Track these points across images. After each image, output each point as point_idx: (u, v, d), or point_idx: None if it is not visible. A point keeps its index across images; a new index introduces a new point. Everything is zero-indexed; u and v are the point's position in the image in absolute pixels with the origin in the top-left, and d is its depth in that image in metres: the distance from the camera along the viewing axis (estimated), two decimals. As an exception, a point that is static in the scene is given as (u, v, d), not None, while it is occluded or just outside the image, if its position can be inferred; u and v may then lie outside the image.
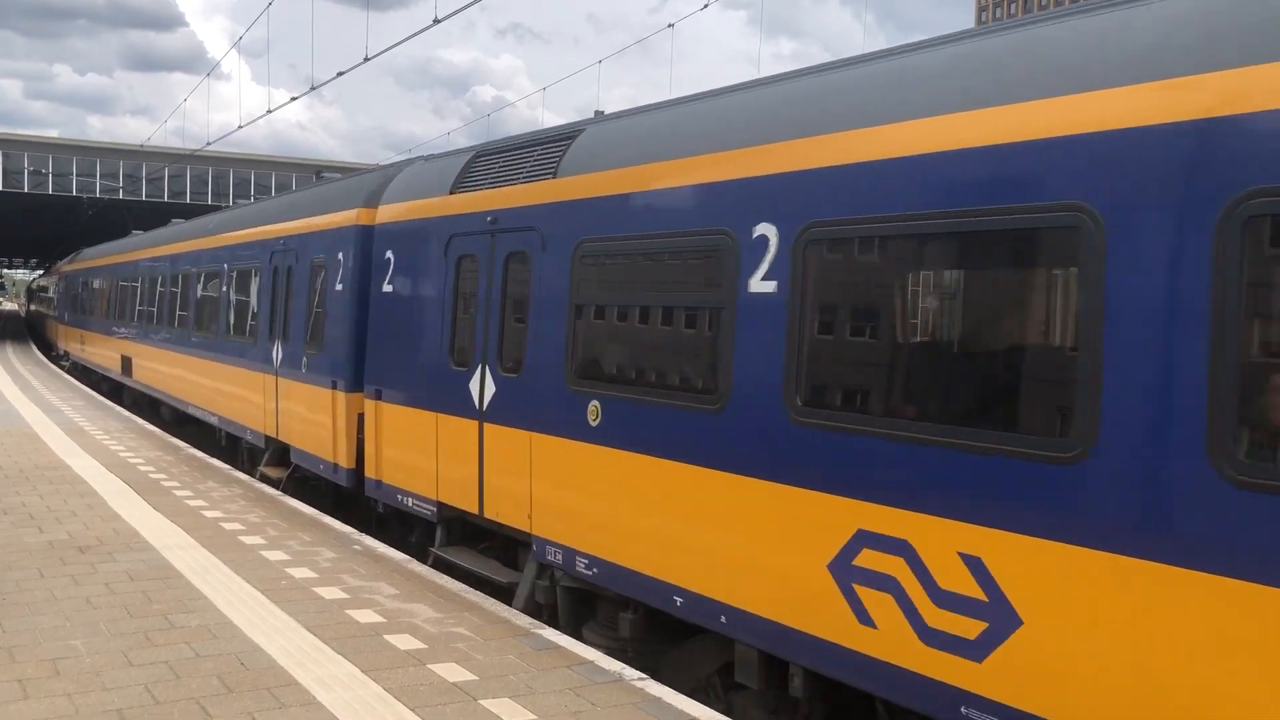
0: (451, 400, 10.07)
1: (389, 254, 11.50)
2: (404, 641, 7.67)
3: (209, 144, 34.46)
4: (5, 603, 8.30)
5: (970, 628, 5.33)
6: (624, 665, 7.34)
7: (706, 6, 19.20)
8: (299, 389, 13.86)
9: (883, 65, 6.54)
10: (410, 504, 10.97)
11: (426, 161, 12.15)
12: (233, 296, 17.48)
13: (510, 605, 8.95)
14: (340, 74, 19.94)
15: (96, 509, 12.17)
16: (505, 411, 9.27)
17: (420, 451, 10.66)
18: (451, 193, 10.49)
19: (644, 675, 7.16)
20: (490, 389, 9.47)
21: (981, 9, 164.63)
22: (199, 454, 17.32)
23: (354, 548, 10.74)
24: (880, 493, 5.83)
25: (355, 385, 12.15)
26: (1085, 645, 4.84)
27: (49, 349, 48.71)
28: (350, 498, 13.09)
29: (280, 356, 14.65)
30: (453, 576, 9.75)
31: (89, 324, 34.70)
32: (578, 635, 8.47)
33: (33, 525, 11.18)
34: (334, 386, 12.52)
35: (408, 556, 10.52)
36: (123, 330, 27.63)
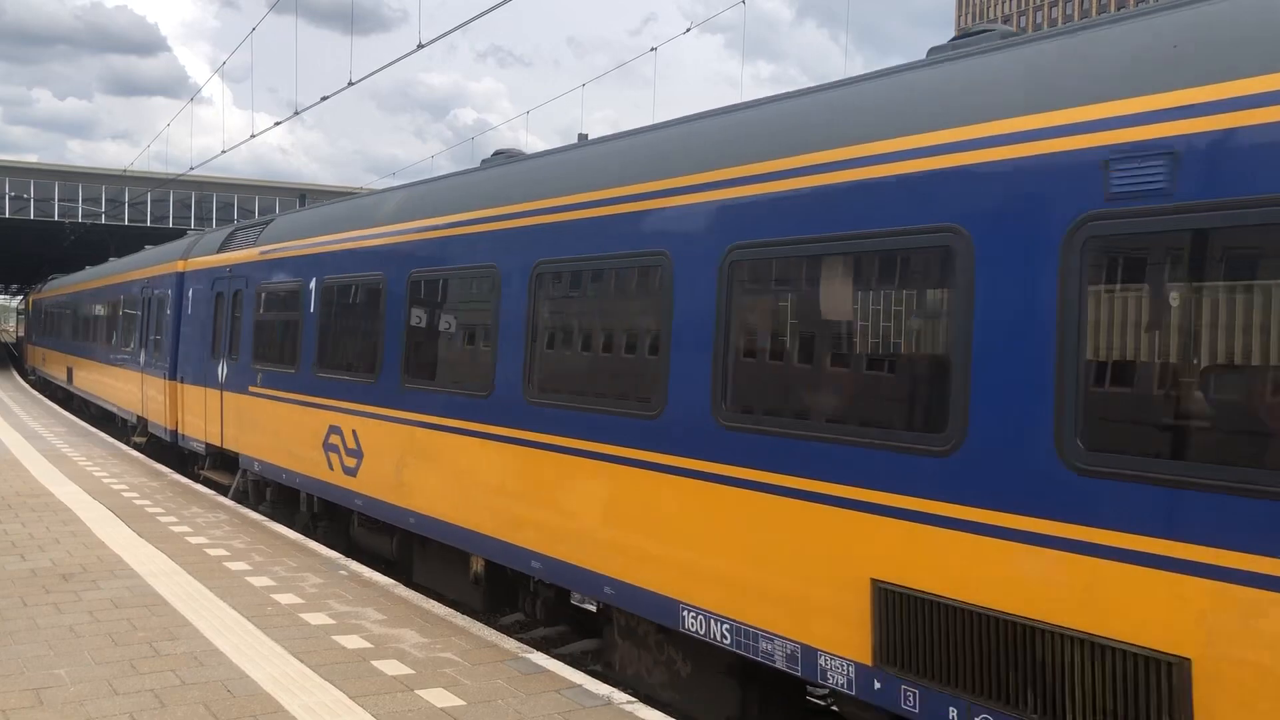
0: None
1: None
2: (391, 667, 7.64)
3: (192, 168, 34.47)
4: (-12, 632, 8.23)
5: None
6: (613, 689, 7.33)
7: (689, 31, 19.36)
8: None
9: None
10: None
11: None
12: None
13: None
14: (324, 98, 19.97)
15: (80, 536, 12.08)
16: None
17: None
18: None
19: (633, 699, 7.16)
20: None
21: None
22: (184, 480, 17.23)
23: (340, 573, 10.70)
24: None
25: None
26: None
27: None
28: None
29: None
30: None
31: None
32: None
33: (15, 553, 11.09)
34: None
35: (394, 581, 10.49)
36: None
